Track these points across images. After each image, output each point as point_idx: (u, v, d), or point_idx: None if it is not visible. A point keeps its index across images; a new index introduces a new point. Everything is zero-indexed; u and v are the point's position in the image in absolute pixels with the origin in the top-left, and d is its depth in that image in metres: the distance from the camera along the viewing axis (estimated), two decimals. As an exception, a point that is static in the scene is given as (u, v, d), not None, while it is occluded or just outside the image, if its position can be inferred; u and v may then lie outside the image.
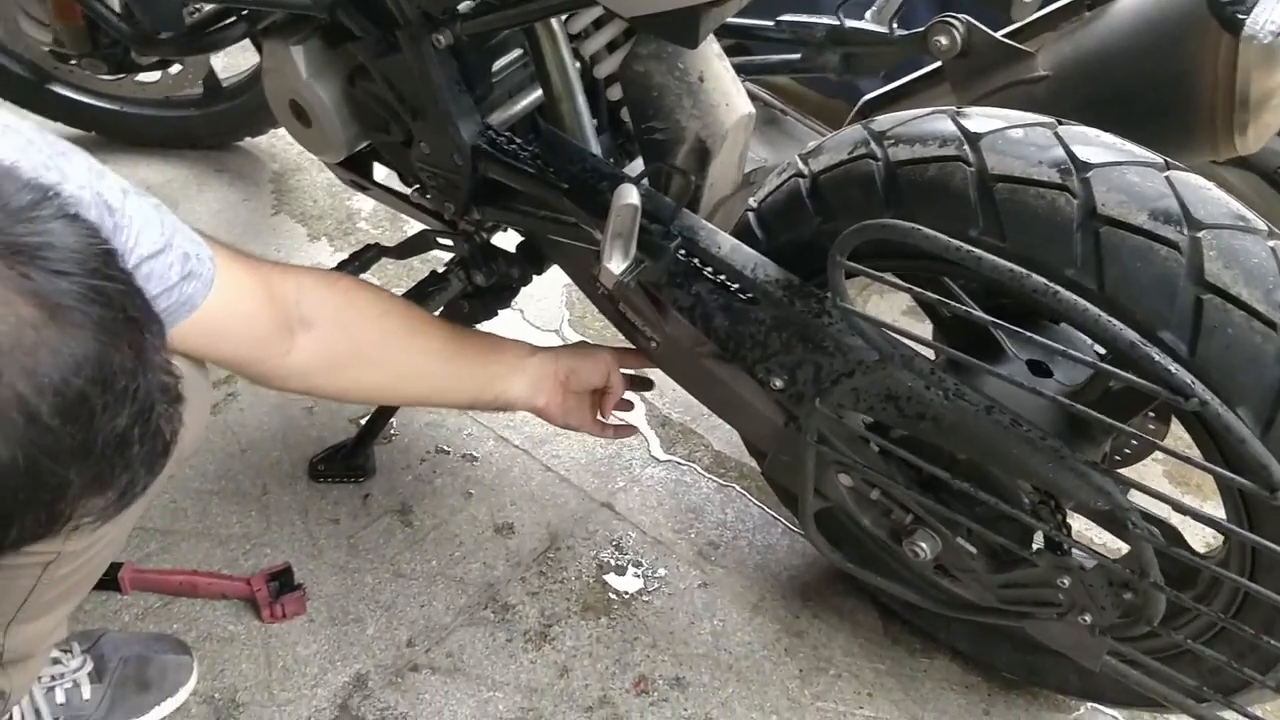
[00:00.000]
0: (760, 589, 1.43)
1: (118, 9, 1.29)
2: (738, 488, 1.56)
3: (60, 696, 1.12)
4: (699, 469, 1.58)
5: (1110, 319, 0.87)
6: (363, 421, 1.53)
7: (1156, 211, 0.91)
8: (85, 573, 0.97)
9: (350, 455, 1.48)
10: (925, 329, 1.41)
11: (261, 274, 0.94)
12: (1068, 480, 1.00)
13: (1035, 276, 0.88)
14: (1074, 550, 1.05)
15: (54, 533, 0.57)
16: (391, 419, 1.52)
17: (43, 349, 0.52)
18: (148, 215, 0.79)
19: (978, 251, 0.90)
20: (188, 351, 0.89)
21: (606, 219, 1.04)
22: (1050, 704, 1.34)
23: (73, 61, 1.57)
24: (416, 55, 1.12)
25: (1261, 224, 0.93)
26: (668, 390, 1.67)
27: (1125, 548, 1.11)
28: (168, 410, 0.60)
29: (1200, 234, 0.90)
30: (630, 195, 1.01)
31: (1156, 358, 0.85)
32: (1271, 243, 0.92)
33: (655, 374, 1.63)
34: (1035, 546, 1.09)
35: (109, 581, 1.29)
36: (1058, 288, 0.87)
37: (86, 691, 1.13)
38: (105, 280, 0.55)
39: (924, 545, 1.12)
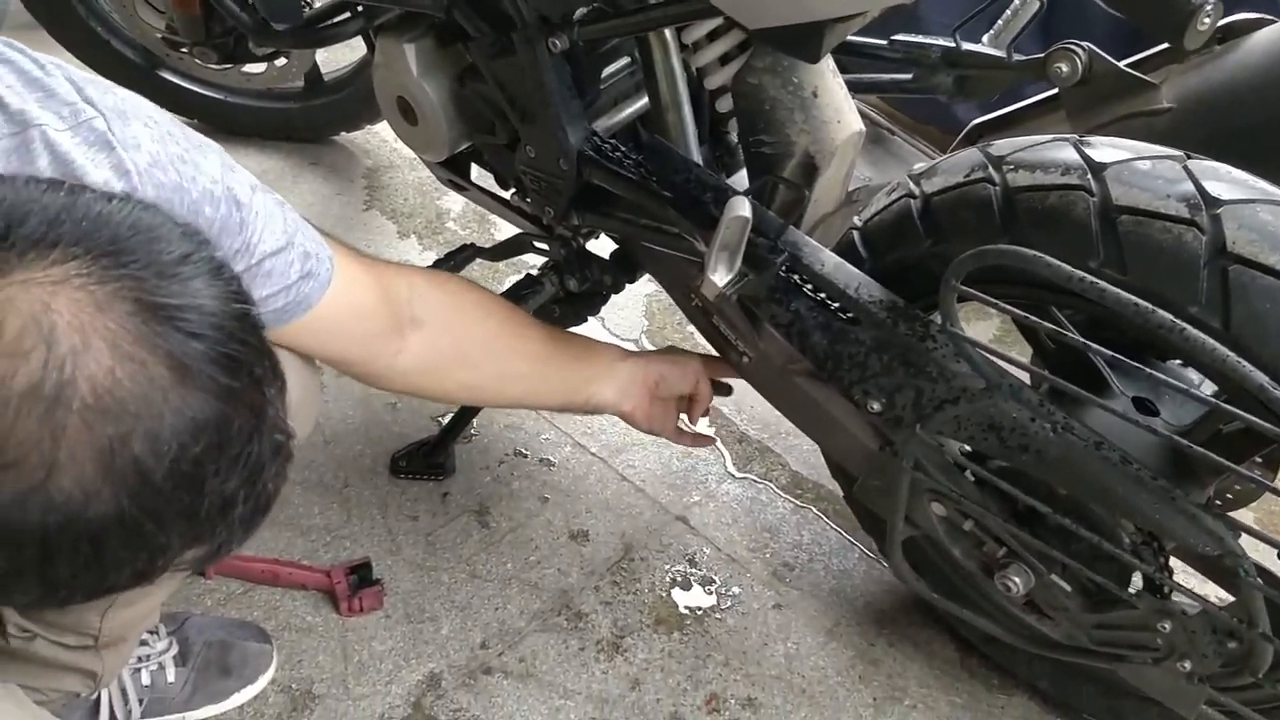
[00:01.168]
0: (835, 614, 1.41)
1: (236, -1, 1.31)
2: (814, 510, 1.54)
3: (145, 678, 1.13)
4: (775, 488, 1.56)
5: (1239, 360, 0.84)
6: (445, 420, 1.53)
7: (1289, 252, 0.89)
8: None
9: (431, 453, 1.48)
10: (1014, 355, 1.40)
11: (377, 274, 0.94)
12: (1177, 523, 0.97)
13: (1161, 312, 0.86)
14: (1174, 594, 1.03)
15: (150, 582, 0.57)
16: (473, 419, 1.52)
17: (167, 411, 0.52)
18: (272, 212, 0.80)
19: (1101, 283, 0.88)
20: (301, 349, 0.89)
21: (714, 230, 1.03)
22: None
23: (184, 49, 1.60)
24: (530, 58, 1.12)
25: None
26: (745, 406, 1.66)
27: (1221, 591, 1.09)
28: (278, 471, 0.60)
29: (1337, 277, 0.88)
30: (742, 207, 1.00)
31: (1287, 402, 0.82)
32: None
33: (734, 391, 1.63)
34: (1133, 588, 1.07)
35: (192, 565, 1.31)
36: (1184, 325, 0.85)
37: (171, 674, 1.15)
38: (237, 344, 0.56)
39: (1017, 580, 1.10)
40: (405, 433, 1.54)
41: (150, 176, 0.70)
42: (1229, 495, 1.22)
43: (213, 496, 0.55)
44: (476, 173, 1.41)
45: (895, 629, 1.40)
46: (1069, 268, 0.89)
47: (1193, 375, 1.16)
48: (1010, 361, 1.03)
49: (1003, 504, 1.10)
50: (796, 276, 1.10)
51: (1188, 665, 1.02)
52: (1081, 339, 0.94)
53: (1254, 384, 0.84)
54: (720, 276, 1.04)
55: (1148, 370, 0.91)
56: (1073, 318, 1.09)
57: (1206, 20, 0.64)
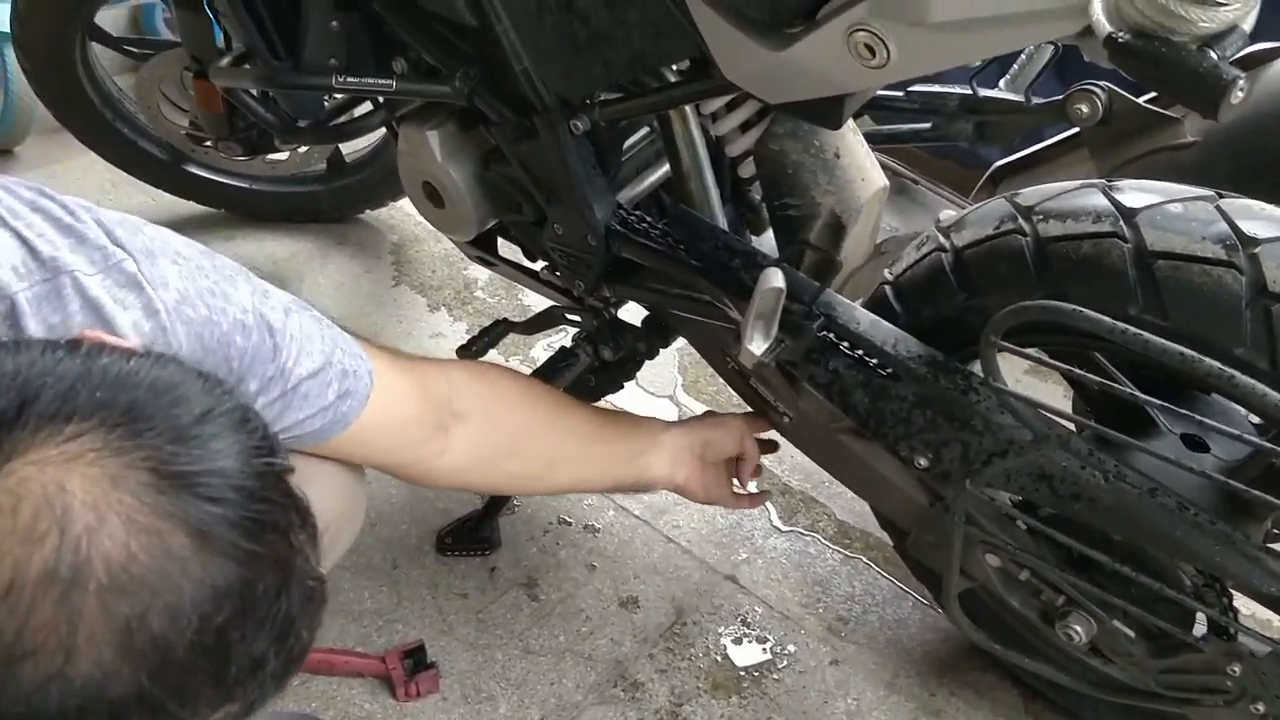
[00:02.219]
0: (894, 666, 1.39)
1: (258, 97, 1.33)
2: (864, 559, 1.53)
3: (209, 778, 1.13)
4: (823, 540, 1.55)
5: (1289, 405, 0.83)
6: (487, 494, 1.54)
7: (1333, 291, 0.88)
8: None
9: (476, 528, 1.48)
10: (1046, 393, 1.38)
11: (416, 375, 0.95)
12: (1238, 565, 0.96)
13: (1208, 360, 0.85)
14: (1242, 635, 1.01)
15: None
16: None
17: (186, 582, 0.51)
18: (309, 333, 0.81)
19: (1144, 334, 0.87)
20: (344, 458, 0.90)
21: (748, 300, 1.03)
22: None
23: (208, 144, 1.63)
24: (553, 140, 1.13)
25: None
26: (786, 457, 1.65)
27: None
28: (310, 621, 0.59)
29: (1380, 312, 0.87)
30: (775, 279, 1.00)
31: (1344, 444, 0.81)
32: None
33: (779, 445, 1.62)
34: (1199, 629, 1.05)
35: (248, 659, 1.31)
36: (1233, 372, 0.84)
37: (234, 773, 1.14)
38: (260, 503, 0.55)
39: (1078, 628, 1.09)
40: (449, 509, 1.54)
41: (179, 313, 0.71)
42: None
43: (240, 661, 0.54)
44: (504, 245, 1.42)
45: (955, 677, 1.38)
46: (1110, 320, 0.88)
47: (1239, 407, 1.15)
48: (1055, 412, 1.02)
49: (1058, 552, 1.09)
50: (833, 336, 1.10)
51: (1261, 708, 1.00)
52: (1131, 389, 0.93)
53: (1309, 427, 0.83)
54: (757, 346, 1.05)
55: (1196, 418, 0.90)
56: (1112, 359, 1.08)
57: (1239, 94, 0.64)
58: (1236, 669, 0.99)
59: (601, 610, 1.43)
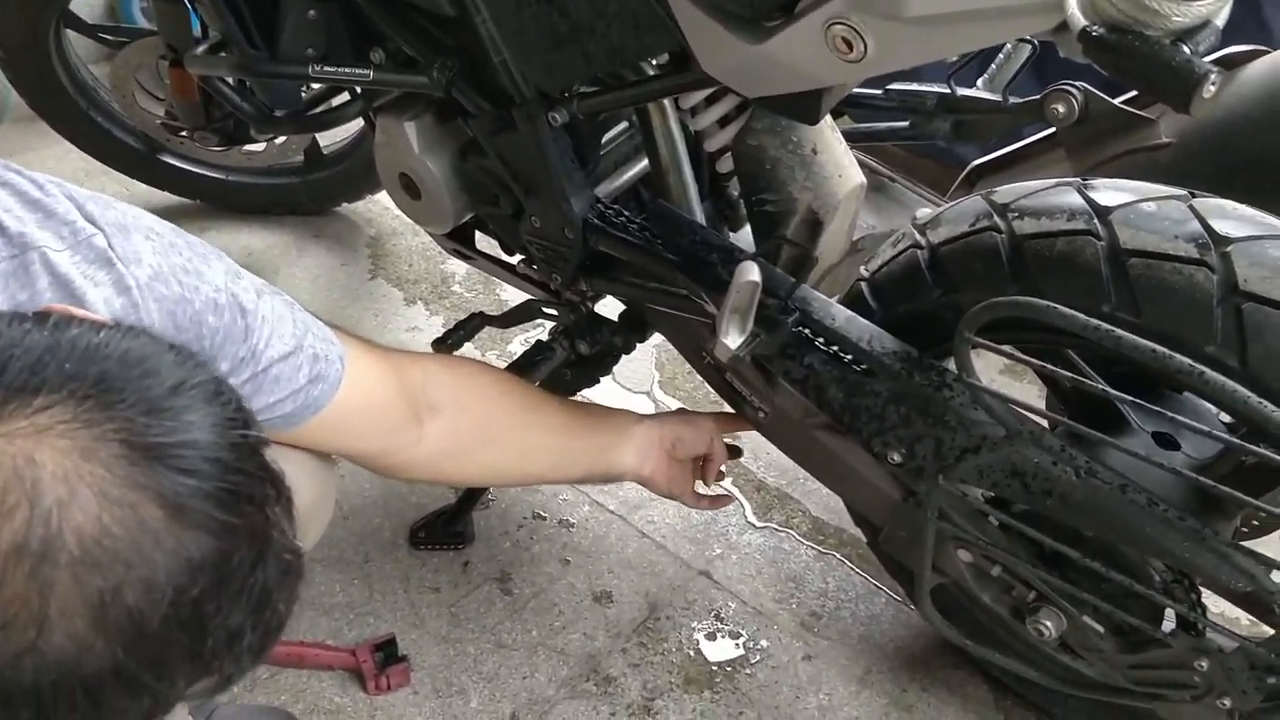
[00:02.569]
0: (866, 661, 1.40)
1: (234, 86, 1.32)
2: (838, 555, 1.53)
3: (177, 770, 1.13)
4: (797, 536, 1.56)
5: (1260, 401, 0.84)
6: (461, 488, 1.53)
7: (1303, 288, 0.89)
8: None
9: (450, 522, 1.48)
10: (1020, 391, 1.39)
11: (391, 365, 0.94)
12: (1207, 561, 0.96)
13: (1179, 357, 0.86)
14: (1209, 630, 1.02)
15: (157, 717, 0.55)
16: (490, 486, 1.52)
17: (160, 555, 0.51)
18: (281, 315, 0.80)
19: (1117, 331, 0.88)
20: (317, 447, 0.89)
21: (724, 294, 1.03)
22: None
23: (184, 134, 1.62)
24: (531, 133, 1.13)
25: None
26: (762, 454, 1.66)
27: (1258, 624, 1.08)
28: (287, 594, 0.58)
29: (1350, 311, 0.88)
30: (751, 272, 1.00)
31: (1310, 439, 0.82)
32: None
33: (749, 436, 1.63)
34: (1167, 625, 1.06)
35: (217, 652, 1.30)
36: (1203, 369, 0.85)
37: (202, 765, 1.14)
38: (235, 475, 0.54)
39: (1049, 624, 1.09)
40: (423, 503, 1.53)
41: (152, 290, 0.70)
42: (1254, 523, 1.21)
43: (217, 633, 0.53)
44: (481, 239, 1.42)
45: (927, 673, 1.39)
46: (1083, 317, 0.89)
47: (1212, 405, 1.16)
48: (1028, 408, 1.03)
49: (1030, 548, 1.10)
50: (808, 332, 1.10)
51: (1227, 702, 1.01)
52: (1103, 386, 0.93)
53: (1276, 424, 0.83)
54: (733, 340, 1.05)
55: (1155, 409, 0.91)
56: (1085, 354, 1.09)
57: (1212, 88, 0.64)
58: (1204, 664, 1.00)
59: (575, 605, 1.43)
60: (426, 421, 0.97)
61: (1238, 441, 0.91)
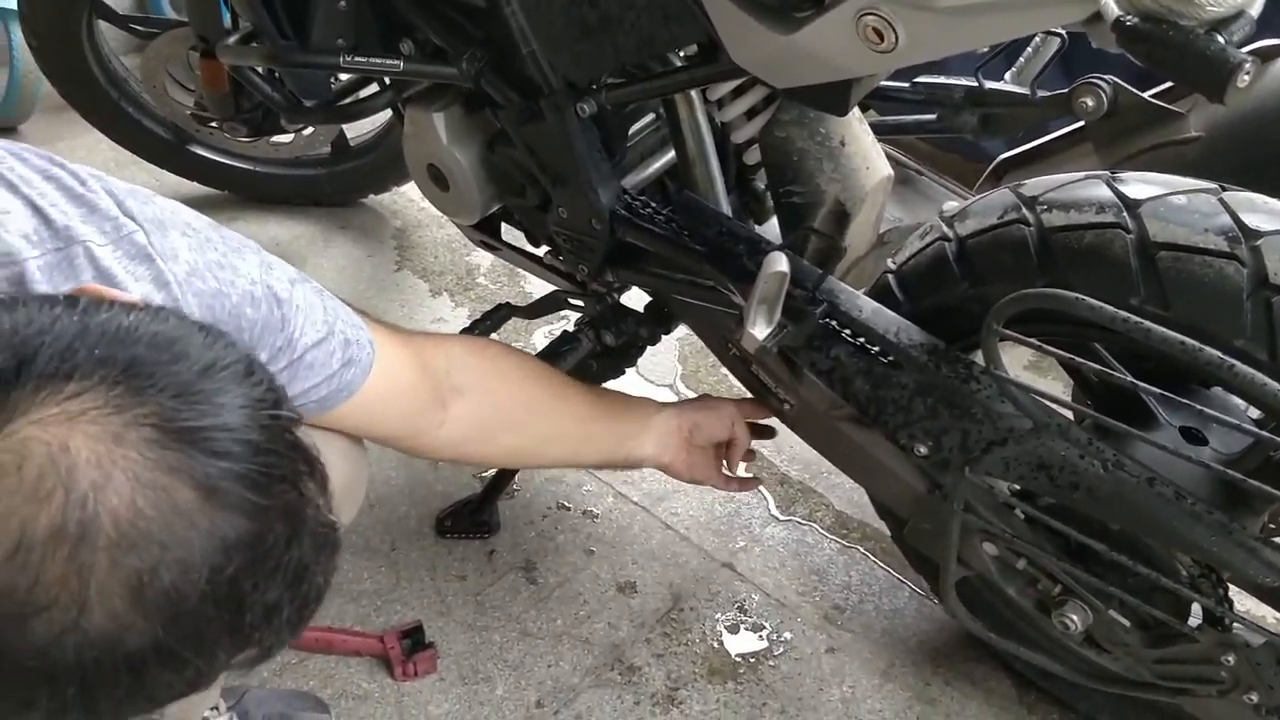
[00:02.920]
0: (889, 654, 1.40)
1: (264, 76, 1.34)
2: (861, 549, 1.53)
3: (207, 753, 1.14)
4: (820, 529, 1.56)
5: (1287, 394, 0.84)
6: (487, 477, 1.54)
7: (1333, 280, 0.88)
8: None
9: (475, 511, 1.49)
10: (1046, 386, 1.39)
11: (415, 349, 0.95)
12: (1234, 555, 0.96)
13: (1209, 350, 0.85)
14: (1236, 625, 1.01)
15: (196, 692, 0.57)
16: (514, 476, 1.53)
17: (195, 535, 0.52)
18: (312, 303, 0.81)
19: (1146, 323, 0.88)
20: (347, 430, 0.90)
21: (752, 285, 1.03)
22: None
23: (213, 124, 1.63)
24: (559, 124, 1.13)
25: None
26: (785, 447, 1.66)
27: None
28: (324, 567, 0.59)
29: (1379, 304, 0.87)
30: (779, 263, 1.00)
31: (1343, 435, 0.82)
32: None
33: (776, 431, 1.62)
34: (1194, 620, 1.06)
35: (248, 636, 1.32)
36: (1233, 361, 0.85)
37: (232, 748, 1.15)
38: (267, 455, 0.55)
39: (1074, 617, 1.09)
40: (449, 492, 1.54)
41: (190, 285, 0.71)
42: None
43: (254, 608, 0.54)
44: (507, 230, 1.43)
45: (951, 667, 1.39)
46: (1112, 309, 0.89)
47: (1239, 399, 1.15)
48: (1054, 400, 1.03)
49: (1055, 541, 1.10)
50: (835, 323, 1.10)
51: (1254, 698, 1.01)
52: (1131, 379, 0.93)
53: (1307, 417, 0.83)
54: (760, 330, 1.05)
55: (1183, 401, 0.90)
56: (1112, 351, 1.08)
57: (1246, 77, 0.64)
58: (1231, 659, 1.00)
59: (599, 595, 1.44)
60: (451, 404, 0.98)
61: (1268, 435, 0.91)
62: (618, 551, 1.50)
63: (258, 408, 0.56)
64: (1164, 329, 0.87)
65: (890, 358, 1.09)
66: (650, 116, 1.25)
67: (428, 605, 1.40)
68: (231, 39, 1.31)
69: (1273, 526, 1.18)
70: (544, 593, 1.43)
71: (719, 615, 1.43)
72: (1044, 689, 1.36)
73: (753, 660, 1.38)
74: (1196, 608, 1.06)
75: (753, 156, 1.19)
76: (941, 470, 1.09)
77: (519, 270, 1.88)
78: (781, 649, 1.39)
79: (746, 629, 1.42)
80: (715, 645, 1.39)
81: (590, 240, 1.22)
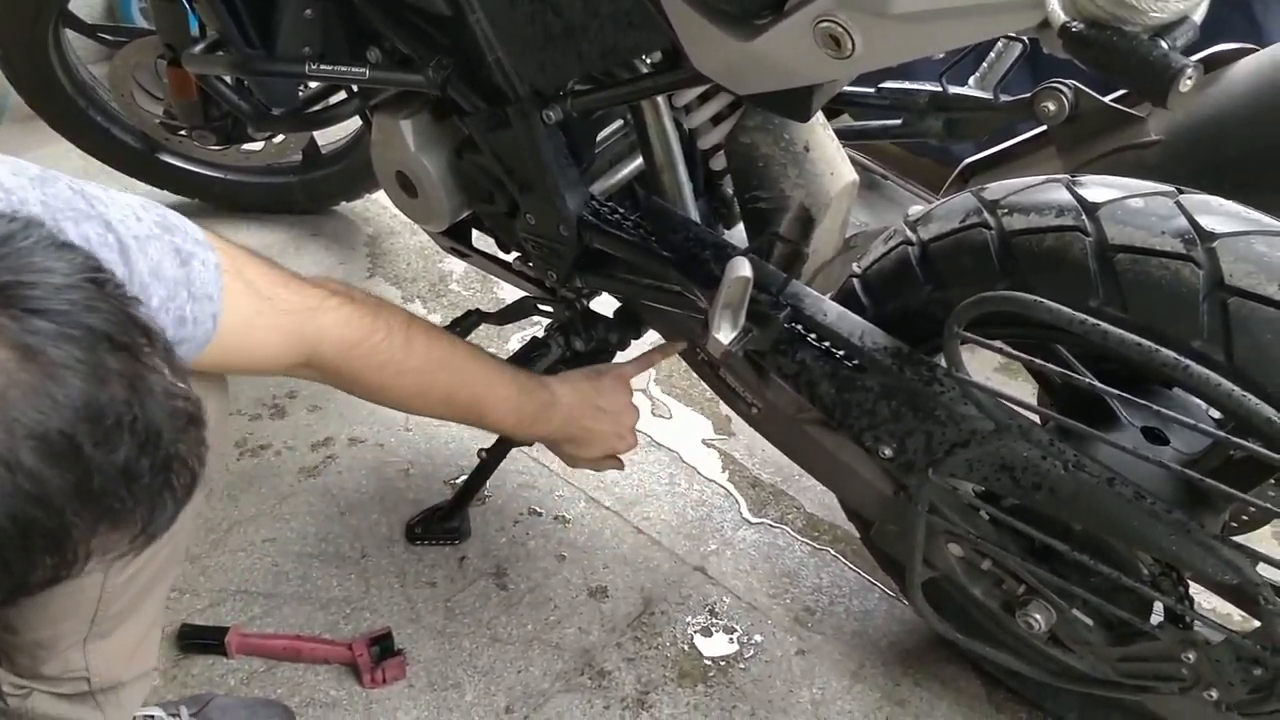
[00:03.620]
0: (859, 656, 1.41)
1: (232, 84, 1.33)
2: (832, 551, 1.54)
3: (173, 761, 1.14)
4: (791, 532, 1.57)
5: (1245, 394, 0.85)
6: (458, 482, 1.54)
7: (1286, 282, 0.90)
8: (150, 579, 0.97)
9: (446, 517, 1.49)
10: (1016, 389, 1.40)
11: (283, 332, 0.91)
12: (1194, 554, 0.97)
13: (1165, 351, 0.87)
14: (1197, 623, 1.03)
15: (75, 572, 0.55)
16: (486, 481, 1.53)
17: (16, 393, 0.50)
18: (163, 250, 0.78)
19: (1104, 325, 0.89)
20: (210, 370, 0.87)
21: (716, 290, 1.04)
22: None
23: (182, 133, 1.63)
24: (526, 130, 1.14)
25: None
26: (757, 450, 1.67)
27: (1245, 617, 1.09)
28: (183, 436, 0.57)
29: (1333, 304, 0.89)
30: (743, 268, 1.01)
31: (1295, 432, 0.83)
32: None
33: (745, 433, 1.63)
34: (1156, 618, 1.07)
35: (215, 645, 1.31)
36: (1189, 362, 0.86)
37: (198, 757, 1.15)
38: (91, 311, 0.53)
39: (1038, 617, 1.10)
40: (419, 499, 1.54)
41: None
42: (1244, 517, 1.22)
43: (103, 470, 0.53)
44: (478, 237, 1.43)
45: (920, 667, 1.40)
46: (1071, 311, 0.90)
47: (1200, 401, 1.17)
48: (1017, 403, 1.04)
49: (1019, 542, 1.11)
50: (801, 328, 1.11)
51: (1214, 694, 1.02)
52: (1093, 381, 0.94)
53: (1262, 418, 0.84)
54: (725, 335, 1.06)
55: (1144, 403, 0.92)
56: (1074, 352, 1.10)
57: (1188, 82, 0.65)
58: (1191, 657, 1.01)
59: (570, 600, 1.44)
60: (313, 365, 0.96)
61: (1225, 435, 0.92)
62: (589, 556, 1.50)
63: (79, 267, 0.55)
64: (1121, 331, 0.89)
65: (855, 361, 1.10)
66: (618, 123, 1.26)
67: (397, 612, 1.40)
68: (198, 47, 1.30)
69: (1234, 525, 1.20)
70: (514, 598, 1.44)
71: (690, 619, 1.43)
72: (1012, 688, 1.37)
73: (723, 663, 1.38)
74: (1158, 606, 1.08)
75: (720, 162, 1.20)
76: (906, 472, 1.10)
77: (491, 276, 1.88)
78: (752, 651, 1.40)
79: (718, 632, 1.42)
80: (686, 648, 1.39)
81: (558, 246, 1.22)
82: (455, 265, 1.95)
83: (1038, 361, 1.01)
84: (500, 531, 1.52)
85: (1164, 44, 0.66)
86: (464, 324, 1.44)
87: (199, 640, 1.33)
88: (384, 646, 1.33)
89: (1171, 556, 0.99)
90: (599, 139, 1.24)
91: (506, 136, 1.17)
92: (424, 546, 1.49)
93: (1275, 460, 0.86)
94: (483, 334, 1.80)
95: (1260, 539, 1.50)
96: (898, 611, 1.46)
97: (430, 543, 1.49)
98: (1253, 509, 1.20)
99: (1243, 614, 1.13)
